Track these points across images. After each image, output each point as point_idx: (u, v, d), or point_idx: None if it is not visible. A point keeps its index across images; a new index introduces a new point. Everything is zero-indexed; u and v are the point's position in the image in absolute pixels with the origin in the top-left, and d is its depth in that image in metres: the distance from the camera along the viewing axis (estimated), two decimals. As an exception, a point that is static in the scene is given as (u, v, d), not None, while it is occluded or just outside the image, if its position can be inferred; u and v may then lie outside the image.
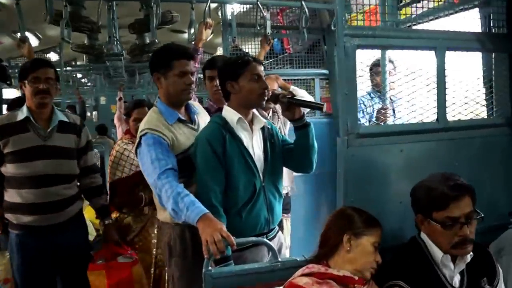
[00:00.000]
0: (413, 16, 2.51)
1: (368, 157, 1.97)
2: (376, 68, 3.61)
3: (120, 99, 7.78)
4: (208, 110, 2.88)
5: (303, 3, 3.46)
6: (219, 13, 5.09)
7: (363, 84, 4.04)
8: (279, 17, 4.47)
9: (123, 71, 7.10)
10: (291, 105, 2.18)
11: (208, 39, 3.37)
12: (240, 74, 2.19)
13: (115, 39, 3.73)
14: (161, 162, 2.13)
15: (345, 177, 1.92)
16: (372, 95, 3.70)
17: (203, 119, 2.49)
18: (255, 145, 2.25)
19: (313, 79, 4.44)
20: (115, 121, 7.76)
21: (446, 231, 1.76)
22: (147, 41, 6.37)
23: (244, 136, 2.23)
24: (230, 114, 2.23)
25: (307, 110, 2.97)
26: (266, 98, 2.22)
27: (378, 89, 3.65)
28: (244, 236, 2.07)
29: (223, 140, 2.16)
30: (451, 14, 2.55)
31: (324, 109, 2.10)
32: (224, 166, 2.15)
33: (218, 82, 2.60)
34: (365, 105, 3.65)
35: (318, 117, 4.27)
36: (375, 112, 3.58)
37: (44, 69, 2.61)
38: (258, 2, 3.43)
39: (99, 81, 10.68)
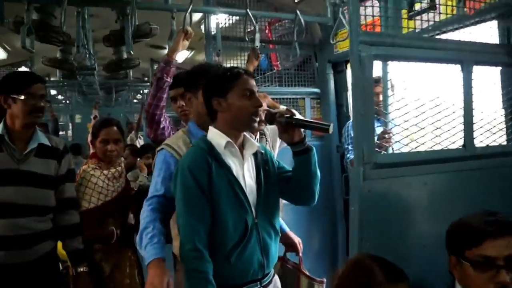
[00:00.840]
0: (422, 28, 2.20)
1: (387, 191, 1.61)
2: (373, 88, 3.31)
3: (95, 117, 7.56)
4: None
5: (298, 12, 3.12)
6: (202, 27, 4.78)
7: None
8: (266, 31, 4.14)
9: (97, 88, 6.68)
10: (290, 126, 1.84)
11: (189, 56, 3.03)
12: (228, 89, 1.84)
13: (87, 50, 3.35)
14: (156, 186, 2.01)
15: (360, 216, 1.55)
16: None
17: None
18: (246, 174, 1.89)
19: (303, 98, 4.10)
20: (89, 140, 7.49)
21: (478, 274, 1.43)
22: (124, 56, 6.03)
23: (233, 163, 1.87)
24: (216, 137, 1.87)
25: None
26: (259, 117, 1.87)
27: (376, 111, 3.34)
28: (233, 284, 1.78)
29: (208, 169, 1.79)
30: (465, 27, 2.25)
31: (331, 130, 1.75)
32: (210, 200, 1.78)
33: (179, 102, 2.50)
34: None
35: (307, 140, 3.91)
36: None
37: (39, 84, 2.28)
38: (248, 10, 3.08)
39: (74, 98, 10.25)
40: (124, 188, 2.77)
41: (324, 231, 3.66)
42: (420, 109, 1.77)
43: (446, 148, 1.79)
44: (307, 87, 4.10)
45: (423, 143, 1.74)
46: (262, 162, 1.96)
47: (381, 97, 3.34)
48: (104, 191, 2.65)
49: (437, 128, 1.78)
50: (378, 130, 3.17)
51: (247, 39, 3.26)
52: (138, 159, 4.75)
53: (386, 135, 2.90)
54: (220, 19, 3.73)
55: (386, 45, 1.61)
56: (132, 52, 3.00)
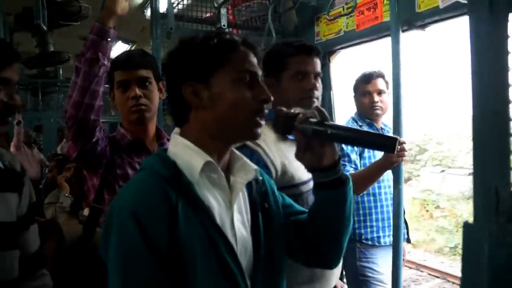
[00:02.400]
0: None
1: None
2: (364, 86, 2.63)
3: (18, 123, 6.53)
4: (115, 142, 1.75)
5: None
6: (147, 12, 3.91)
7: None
8: (229, 14, 3.32)
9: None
10: (320, 139, 1.05)
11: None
12: (214, 69, 1.04)
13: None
14: None
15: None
16: (359, 122, 2.66)
17: None
18: (236, 220, 1.07)
19: (274, 97, 3.31)
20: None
21: None
22: (51, 48, 5.04)
23: (215, 201, 1.04)
24: (187, 153, 1.05)
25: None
26: (264, 119, 1.06)
27: (371, 114, 2.65)
28: None
29: (170, 215, 0.96)
30: None
31: (397, 149, 0.98)
32: (174, 272, 0.95)
33: (136, 90, 1.70)
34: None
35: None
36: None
37: None
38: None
39: (-5, 100, 8.99)
40: None
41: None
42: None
43: None
44: (279, 86, 3.30)
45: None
46: (259, 196, 1.15)
47: (376, 97, 2.69)
48: None
49: None
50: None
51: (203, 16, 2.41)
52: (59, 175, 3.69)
53: (398, 145, 2.18)
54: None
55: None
56: (44, 25, 2.10)
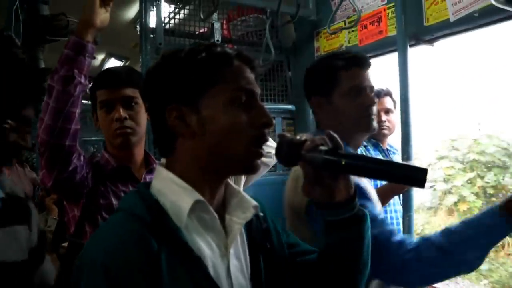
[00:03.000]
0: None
1: None
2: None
3: None
4: (99, 168, 1.59)
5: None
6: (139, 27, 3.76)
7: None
8: (224, 29, 3.17)
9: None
10: (332, 172, 0.89)
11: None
12: (204, 89, 0.88)
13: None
14: None
15: None
16: (365, 143, 2.52)
17: None
18: (234, 267, 0.90)
19: (273, 117, 3.13)
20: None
21: None
22: (42, 65, 4.87)
23: (207, 247, 0.87)
24: (172, 190, 0.88)
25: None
26: (263, 149, 0.90)
27: (378, 134, 2.50)
28: None
29: (149, 269, 0.78)
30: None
31: (427, 183, 0.81)
32: None
33: (121, 112, 1.53)
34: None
35: (273, 173, 2.86)
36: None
37: None
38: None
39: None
40: None
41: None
42: None
43: None
44: (277, 103, 3.12)
45: None
46: (260, 235, 0.98)
47: (383, 116, 2.53)
48: None
49: None
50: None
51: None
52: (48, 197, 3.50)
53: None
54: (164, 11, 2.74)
55: None
56: (18, 38, 1.96)
